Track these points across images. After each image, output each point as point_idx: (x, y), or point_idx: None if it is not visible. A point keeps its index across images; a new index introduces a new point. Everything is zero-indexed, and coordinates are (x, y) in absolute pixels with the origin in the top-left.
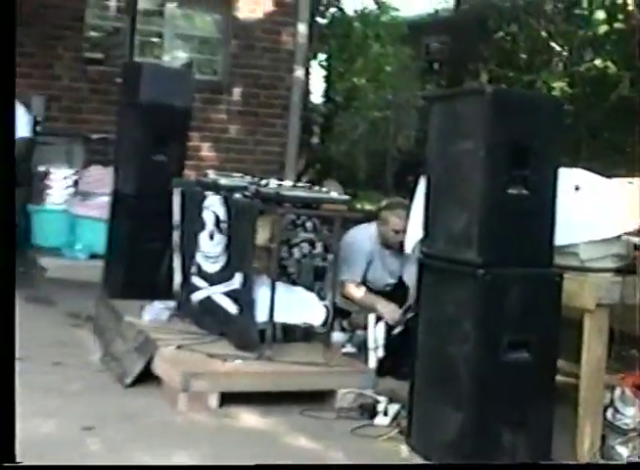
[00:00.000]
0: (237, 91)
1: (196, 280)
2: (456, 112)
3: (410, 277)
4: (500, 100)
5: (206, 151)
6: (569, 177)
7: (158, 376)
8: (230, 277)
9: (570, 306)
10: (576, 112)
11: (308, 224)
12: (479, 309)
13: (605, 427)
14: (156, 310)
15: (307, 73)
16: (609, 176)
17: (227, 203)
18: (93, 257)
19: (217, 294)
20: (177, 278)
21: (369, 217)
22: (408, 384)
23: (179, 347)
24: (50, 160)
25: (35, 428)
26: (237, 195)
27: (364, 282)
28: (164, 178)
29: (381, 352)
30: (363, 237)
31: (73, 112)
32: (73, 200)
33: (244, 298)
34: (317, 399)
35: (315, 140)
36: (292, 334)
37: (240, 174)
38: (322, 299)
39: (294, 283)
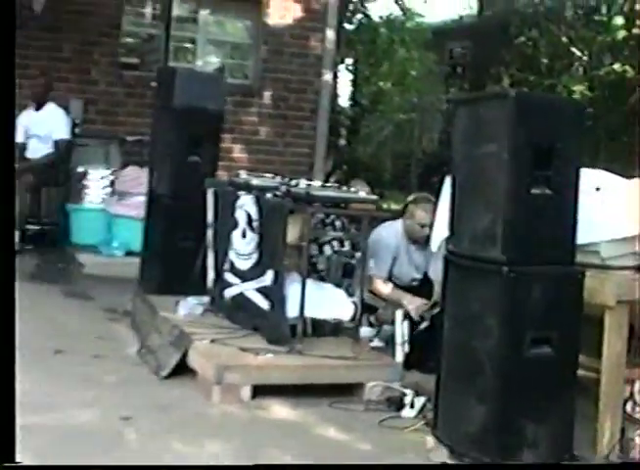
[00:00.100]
0: (267, 95)
1: (228, 277)
2: (480, 115)
3: (435, 274)
4: (523, 103)
5: (238, 152)
6: (589, 178)
7: (192, 369)
8: (262, 274)
9: (591, 303)
10: (596, 114)
11: (337, 223)
12: (503, 306)
13: (624, 420)
14: (190, 306)
15: (335, 77)
16: (628, 177)
17: (259, 202)
18: (129, 254)
19: (249, 290)
20: (210, 275)
21: (395, 217)
22: (434, 377)
23: (213, 341)
24: (88, 161)
25: (75, 417)
26: (268, 195)
27: (390, 277)
28: (198, 178)
29: (407, 347)
30: (389, 233)
31: (110, 115)
32: (110, 199)
33: (275, 294)
34: (346, 391)
35: (342, 142)
36: (321, 329)
37: (271, 175)
38: (350, 295)
39: (323, 280)
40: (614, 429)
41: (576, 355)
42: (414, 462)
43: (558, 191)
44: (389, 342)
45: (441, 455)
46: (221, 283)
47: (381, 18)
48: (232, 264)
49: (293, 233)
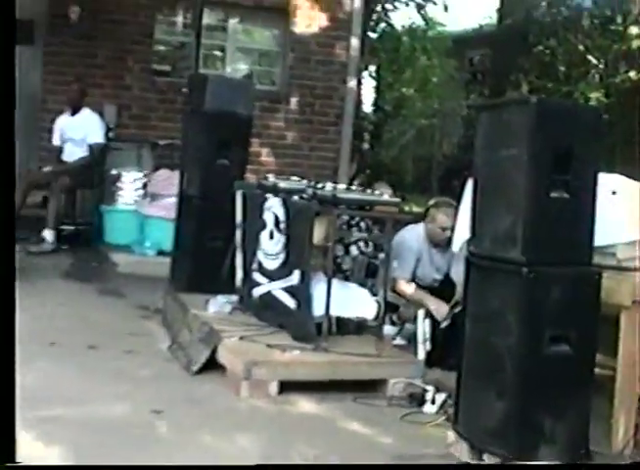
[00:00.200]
0: (294, 100)
1: (256, 276)
2: (502, 120)
3: (457, 275)
4: (543, 109)
5: (265, 156)
6: (606, 182)
7: (221, 365)
8: (289, 274)
9: (607, 303)
10: (611, 121)
11: (362, 224)
12: (522, 305)
13: (638, 416)
14: (219, 304)
15: (359, 84)
16: None
17: (286, 204)
18: (161, 253)
19: (277, 289)
20: (239, 274)
21: (417, 220)
22: (455, 374)
23: (241, 338)
24: (121, 163)
25: (107, 410)
26: (295, 197)
27: (413, 279)
28: (227, 181)
29: (429, 345)
30: (412, 236)
31: (143, 119)
32: (143, 201)
33: (301, 293)
34: (369, 387)
35: (366, 146)
36: (346, 327)
37: (297, 178)
38: (374, 294)
39: (347, 279)
40: (628, 425)
41: (594, 354)
42: (435, 455)
43: (576, 194)
44: (412, 340)
45: (461, 449)
46: (249, 282)
47: (403, 27)
48: (260, 264)
49: (318, 234)
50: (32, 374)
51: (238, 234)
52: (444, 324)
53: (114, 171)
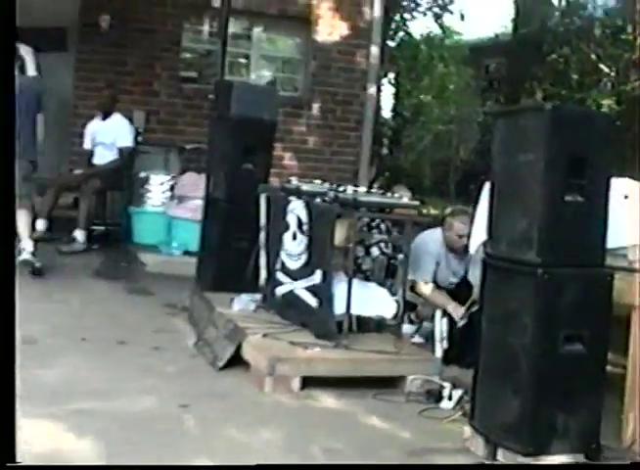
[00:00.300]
0: (315, 106)
1: (280, 276)
2: (518, 126)
3: (474, 277)
4: (558, 116)
5: (288, 160)
6: (618, 186)
7: (246, 361)
8: (311, 273)
9: (619, 303)
10: (622, 127)
11: (382, 226)
12: (537, 305)
13: None
14: (244, 302)
15: (379, 91)
16: None
17: (309, 207)
18: (187, 253)
19: (299, 288)
20: (263, 274)
21: (435, 223)
22: (471, 371)
23: (265, 335)
24: (149, 167)
25: (136, 404)
26: (317, 200)
27: (433, 281)
28: (252, 184)
29: (446, 343)
30: (431, 241)
31: (170, 124)
32: (170, 203)
33: (323, 292)
34: (388, 383)
35: (385, 151)
36: (366, 325)
37: (319, 181)
38: (393, 294)
39: (367, 279)
40: (637, 421)
41: (606, 352)
42: (451, 449)
43: (590, 198)
44: (429, 338)
45: (477, 444)
46: (273, 281)
47: (421, 35)
48: (283, 264)
49: (340, 236)
50: (64, 368)
51: (262, 235)
52: (461, 323)
53: (142, 174)
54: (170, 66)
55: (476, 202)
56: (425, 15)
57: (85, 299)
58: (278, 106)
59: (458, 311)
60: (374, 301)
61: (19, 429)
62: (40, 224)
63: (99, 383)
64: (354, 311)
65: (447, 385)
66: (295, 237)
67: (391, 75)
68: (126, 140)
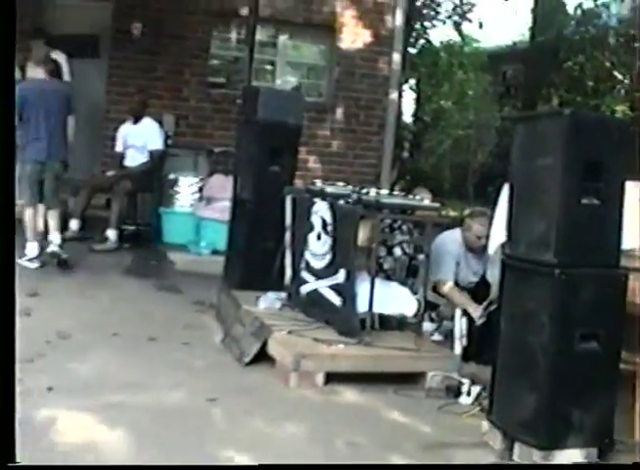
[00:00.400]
0: (339, 111)
1: (304, 275)
2: (537, 131)
3: (493, 277)
4: (576, 121)
5: (312, 163)
6: (632, 189)
7: (271, 357)
8: (335, 273)
9: (633, 303)
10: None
11: (404, 227)
12: (554, 305)
13: None
14: (269, 300)
15: (400, 96)
16: None
17: (333, 208)
18: (215, 253)
19: (323, 287)
20: (288, 273)
21: (454, 224)
22: (489, 368)
23: (290, 332)
24: (179, 169)
25: (165, 397)
26: (341, 201)
27: (455, 281)
28: (278, 186)
29: (465, 341)
30: (451, 242)
31: (199, 128)
32: (199, 204)
33: (346, 291)
34: (409, 379)
35: (406, 154)
36: (387, 323)
37: (343, 183)
38: (414, 293)
39: (389, 279)
40: None
41: (620, 350)
42: (469, 443)
43: (605, 201)
44: (449, 336)
45: (494, 438)
46: (298, 280)
47: (441, 43)
48: (308, 264)
49: (363, 236)
50: (96, 362)
51: (287, 236)
52: (480, 322)
53: (172, 176)
54: (199, 72)
55: (494, 203)
56: (445, 23)
57: (116, 295)
58: (303, 110)
59: (478, 312)
60: (395, 299)
61: (54, 420)
62: (74, 224)
63: (130, 377)
64: (376, 310)
65: (466, 381)
66: (319, 237)
67: (412, 81)
68: (156, 143)
